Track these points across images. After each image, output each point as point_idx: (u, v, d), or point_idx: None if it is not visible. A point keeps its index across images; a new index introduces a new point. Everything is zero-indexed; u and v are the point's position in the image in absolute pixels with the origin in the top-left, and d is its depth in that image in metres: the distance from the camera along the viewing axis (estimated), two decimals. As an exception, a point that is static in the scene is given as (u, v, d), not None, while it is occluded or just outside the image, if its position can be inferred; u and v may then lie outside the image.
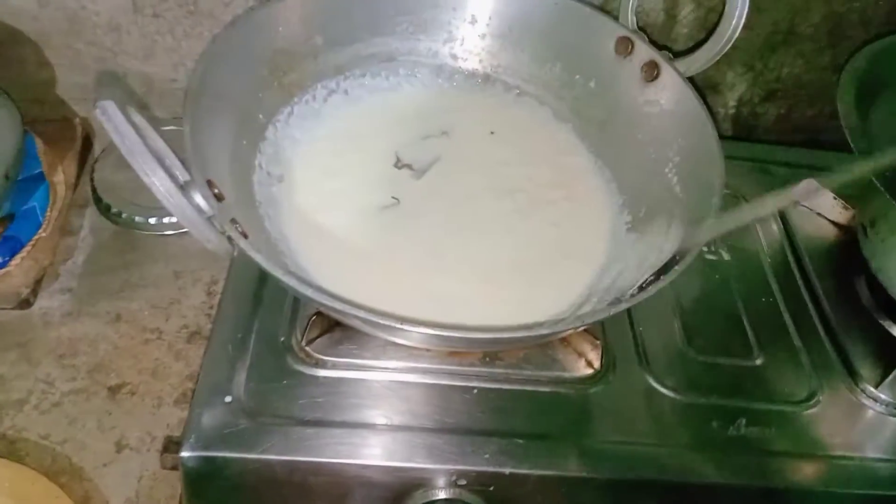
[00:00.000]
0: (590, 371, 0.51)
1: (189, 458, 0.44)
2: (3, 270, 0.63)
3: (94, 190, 0.71)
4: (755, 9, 0.70)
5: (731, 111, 0.82)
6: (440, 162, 0.56)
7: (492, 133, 0.58)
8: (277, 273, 0.36)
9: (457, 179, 0.55)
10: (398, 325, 0.36)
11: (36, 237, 0.66)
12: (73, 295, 0.67)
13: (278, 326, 0.50)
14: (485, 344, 0.44)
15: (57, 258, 0.69)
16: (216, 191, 0.40)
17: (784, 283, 0.60)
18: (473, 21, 0.58)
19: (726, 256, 0.61)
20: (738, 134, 0.83)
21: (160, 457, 0.45)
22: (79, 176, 0.74)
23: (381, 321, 0.36)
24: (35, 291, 0.66)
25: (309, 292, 0.35)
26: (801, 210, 0.66)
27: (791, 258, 0.63)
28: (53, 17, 0.69)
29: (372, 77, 0.58)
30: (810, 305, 0.59)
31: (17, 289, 0.64)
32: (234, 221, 0.39)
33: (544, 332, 0.36)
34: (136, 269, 0.70)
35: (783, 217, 0.66)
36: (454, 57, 0.60)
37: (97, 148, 0.77)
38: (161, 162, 0.34)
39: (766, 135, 0.84)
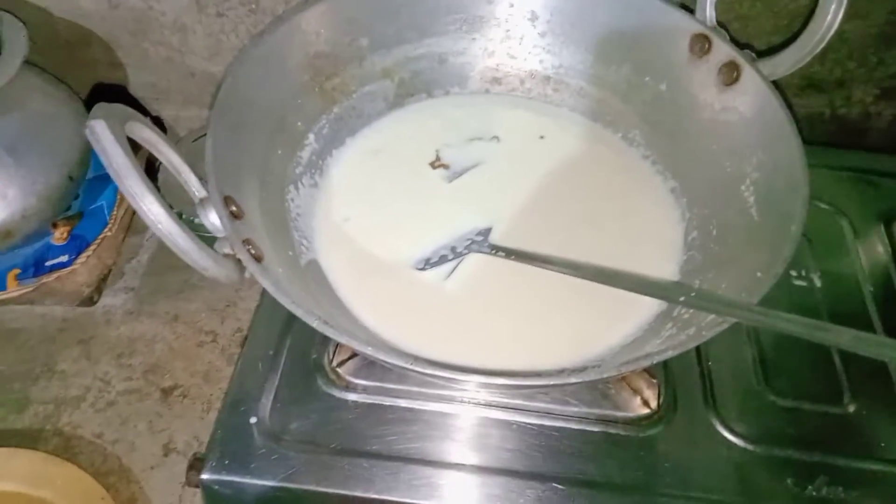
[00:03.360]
0: (646, 411, 0.46)
1: (209, 479, 0.43)
2: (70, 269, 0.64)
3: (158, 189, 0.72)
4: (868, -4, 0.61)
5: (840, 111, 0.73)
6: (482, 166, 0.51)
7: (542, 138, 0.53)
8: (284, 301, 0.33)
9: (496, 187, 0.50)
10: (418, 369, 0.32)
11: (102, 236, 0.67)
12: (136, 294, 0.69)
13: (310, 344, 0.48)
14: (519, 389, 0.39)
15: (122, 257, 0.71)
16: (233, 208, 0.38)
17: (888, 316, 0.52)
18: (533, 18, 0.53)
19: (818, 282, 0.53)
20: (847, 138, 0.74)
21: (186, 474, 0.44)
22: (148, 174, 0.75)
23: (397, 362, 0.32)
24: (99, 289, 0.68)
25: (315, 324, 0.33)
26: (914, 229, 0.57)
27: (899, 286, 0.54)
28: (122, 18, 0.70)
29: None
30: (919, 344, 0.50)
31: (81, 287, 0.66)
32: (247, 242, 0.36)
33: (573, 380, 0.32)
34: (195, 270, 0.71)
35: (891, 236, 0.57)
36: (512, 57, 0.55)
37: (167, 147, 0.78)
38: (172, 181, 0.32)
39: (879, 139, 0.73)
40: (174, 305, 0.68)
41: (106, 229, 0.67)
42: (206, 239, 0.37)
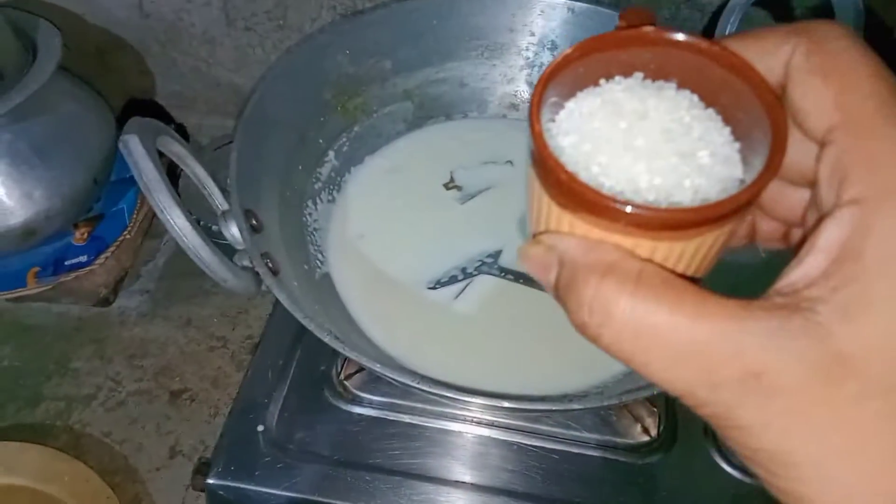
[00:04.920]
0: (646, 438, 0.46)
1: (214, 485, 0.44)
2: (88, 269, 0.66)
3: (178, 195, 0.73)
4: None
5: None
6: (494, 189, 0.52)
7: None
8: (298, 314, 0.35)
9: (507, 211, 0.51)
10: (423, 388, 0.33)
11: (121, 238, 0.68)
12: (151, 296, 0.70)
13: (320, 356, 0.49)
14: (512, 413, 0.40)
15: (139, 259, 0.73)
16: (253, 222, 0.39)
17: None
18: (553, 48, 0.54)
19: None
20: None
21: (192, 478, 0.45)
22: (170, 177, 0.77)
23: (403, 380, 0.33)
24: (115, 290, 0.69)
25: (326, 338, 0.34)
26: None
27: None
28: (153, 28, 0.72)
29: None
30: None
31: (98, 287, 0.67)
32: (265, 255, 0.38)
33: (575, 406, 0.32)
34: (209, 277, 0.72)
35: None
36: (531, 84, 0.56)
37: (189, 154, 0.80)
38: (195, 195, 0.34)
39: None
40: (187, 310, 0.69)
41: (125, 232, 0.69)
42: (223, 244, 0.38)
